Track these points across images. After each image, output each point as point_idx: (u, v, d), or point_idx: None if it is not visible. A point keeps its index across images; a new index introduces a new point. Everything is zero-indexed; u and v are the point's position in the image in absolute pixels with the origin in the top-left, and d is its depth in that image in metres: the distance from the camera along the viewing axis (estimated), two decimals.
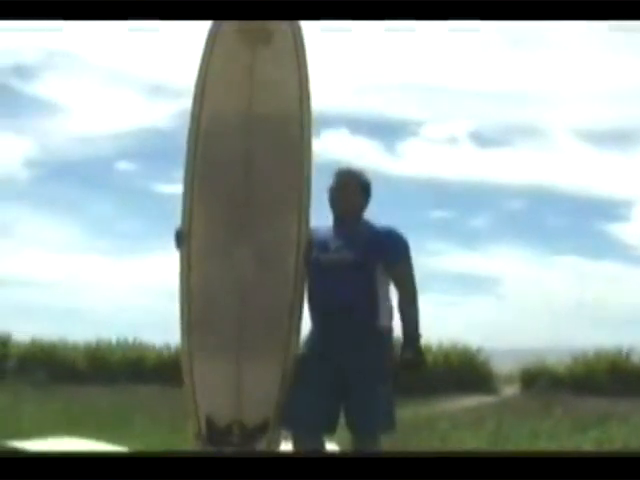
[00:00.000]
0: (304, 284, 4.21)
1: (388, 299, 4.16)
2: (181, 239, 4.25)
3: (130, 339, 16.18)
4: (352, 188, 4.23)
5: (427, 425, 8.66)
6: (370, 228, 4.24)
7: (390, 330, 4.16)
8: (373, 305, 4.08)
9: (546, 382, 13.56)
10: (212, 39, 4.29)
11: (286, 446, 4.22)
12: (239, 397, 4.16)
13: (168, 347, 15.47)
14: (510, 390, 14.01)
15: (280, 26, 4.28)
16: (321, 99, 4.69)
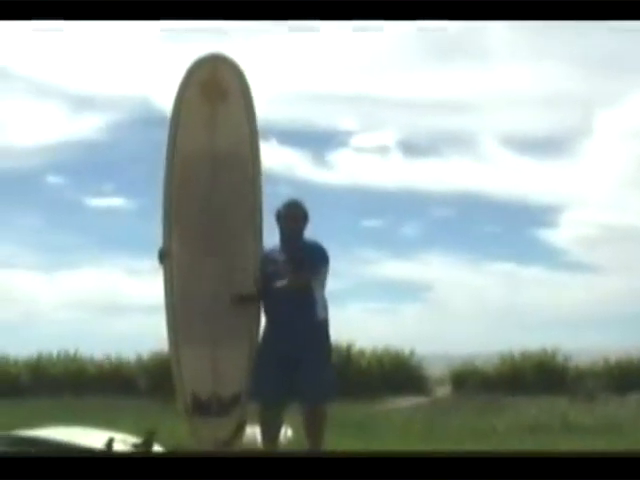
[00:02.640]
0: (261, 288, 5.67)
1: (323, 296, 5.63)
2: (163, 256, 5.70)
3: (71, 352, 17.09)
4: (298, 217, 5.75)
5: (362, 424, 9.75)
6: (305, 245, 5.70)
7: (326, 320, 5.64)
8: (312, 301, 5.55)
9: (476, 383, 15.00)
10: (181, 94, 5.81)
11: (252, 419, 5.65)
12: (216, 376, 5.62)
13: (108, 358, 16.72)
14: (441, 391, 15.46)
15: (233, 85, 5.81)
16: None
